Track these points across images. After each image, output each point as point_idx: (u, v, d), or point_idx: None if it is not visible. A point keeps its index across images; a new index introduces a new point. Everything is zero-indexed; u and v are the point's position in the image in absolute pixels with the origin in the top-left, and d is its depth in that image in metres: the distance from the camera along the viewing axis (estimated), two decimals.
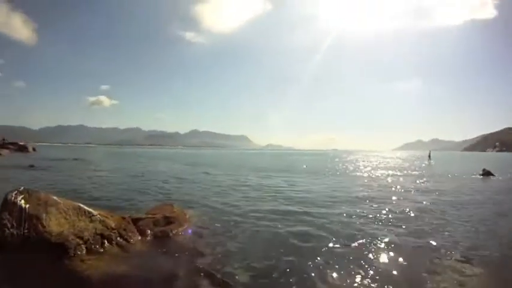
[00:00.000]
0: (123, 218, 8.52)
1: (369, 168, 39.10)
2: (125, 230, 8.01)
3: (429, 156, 66.59)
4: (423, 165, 48.58)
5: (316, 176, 28.20)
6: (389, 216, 11.41)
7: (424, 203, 14.51)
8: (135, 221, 8.71)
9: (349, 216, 11.30)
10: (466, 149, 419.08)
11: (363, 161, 60.91)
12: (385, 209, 12.57)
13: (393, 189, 19.39)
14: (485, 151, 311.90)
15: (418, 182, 23.78)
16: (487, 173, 29.55)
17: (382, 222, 10.53)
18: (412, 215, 11.75)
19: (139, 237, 8.20)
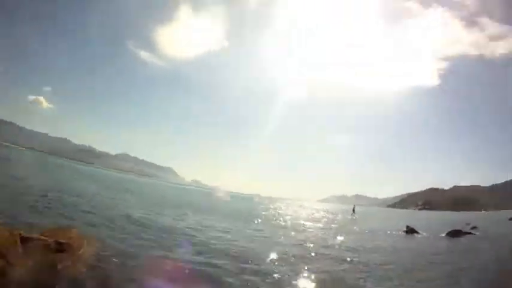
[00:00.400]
0: (12, 234, 7.08)
1: (292, 218, 38.33)
2: (7, 248, 6.61)
3: (353, 210, 67.50)
4: (347, 219, 48.81)
5: (235, 220, 26.95)
6: (309, 278, 10.19)
7: (348, 259, 13.65)
8: (25, 240, 7.27)
9: (264, 274, 9.94)
10: (390, 206, 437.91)
11: (287, 210, 60.36)
12: (305, 268, 11.37)
13: (316, 243, 18.38)
14: (407, 208, 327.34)
15: (342, 237, 23.07)
16: (410, 230, 29.72)
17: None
18: (335, 276, 10.62)
19: (23, 261, 6.73)
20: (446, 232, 28.37)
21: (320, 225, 32.70)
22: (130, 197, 33.96)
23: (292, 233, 23.09)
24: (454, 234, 27.71)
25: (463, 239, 25.96)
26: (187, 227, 18.45)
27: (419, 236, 28.17)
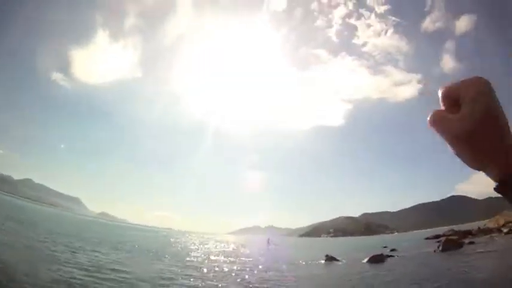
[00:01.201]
0: None
1: (204, 253, 36.05)
2: None
3: (268, 241, 67.05)
4: (263, 251, 47.62)
5: (136, 256, 24.39)
6: None
7: None
8: None
9: None
10: (302, 235, 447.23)
11: (199, 244, 57.71)
12: None
13: (236, 280, 16.62)
14: (320, 236, 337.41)
15: (261, 271, 21.58)
16: (330, 258, 29.24)
17: None
18: None
19: None
20: (368, 257, 27.79)
21: (235, 259, 31.12)
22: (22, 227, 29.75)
23: (203, 270, 21.22)
24: (376, 259, 27.25)
25: (386, 263, 25.60)
26: (80, 264, 15.89)
27: (339, 263, 27.54)
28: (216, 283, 16.09)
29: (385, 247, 45.01)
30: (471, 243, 34.37)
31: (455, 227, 71.17)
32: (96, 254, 23.24)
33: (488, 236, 45.17)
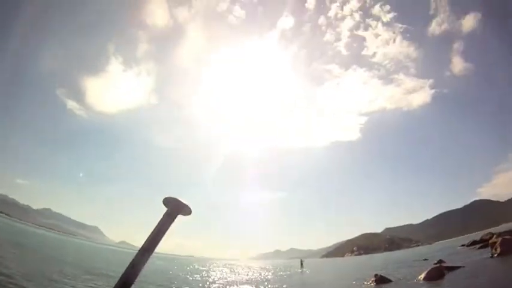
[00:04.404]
0: None
1: (239, 281, 33.17)
2: None
3: (301, 264, 64.11)
4: (298, 275, 45.14)
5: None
6: None
7: None
8: None
9: None
10: (324, 256, 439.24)
11: (229, 272, 54.15)
12: None
13: None
14: (343, 256, 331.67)
15: None
16: (380, 279, 26.12)
17: None
18: None
19: None
20: (424, 274, 24.83)
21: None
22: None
23: None
24: (434, 274, 24.25)
25: (447, 278, 22.91)
26: None
27: (392, 284, 24.80)
28: None
29: (425, 259, 42.67)
30: None
31: (492, 230, 67.94)
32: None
33: None
